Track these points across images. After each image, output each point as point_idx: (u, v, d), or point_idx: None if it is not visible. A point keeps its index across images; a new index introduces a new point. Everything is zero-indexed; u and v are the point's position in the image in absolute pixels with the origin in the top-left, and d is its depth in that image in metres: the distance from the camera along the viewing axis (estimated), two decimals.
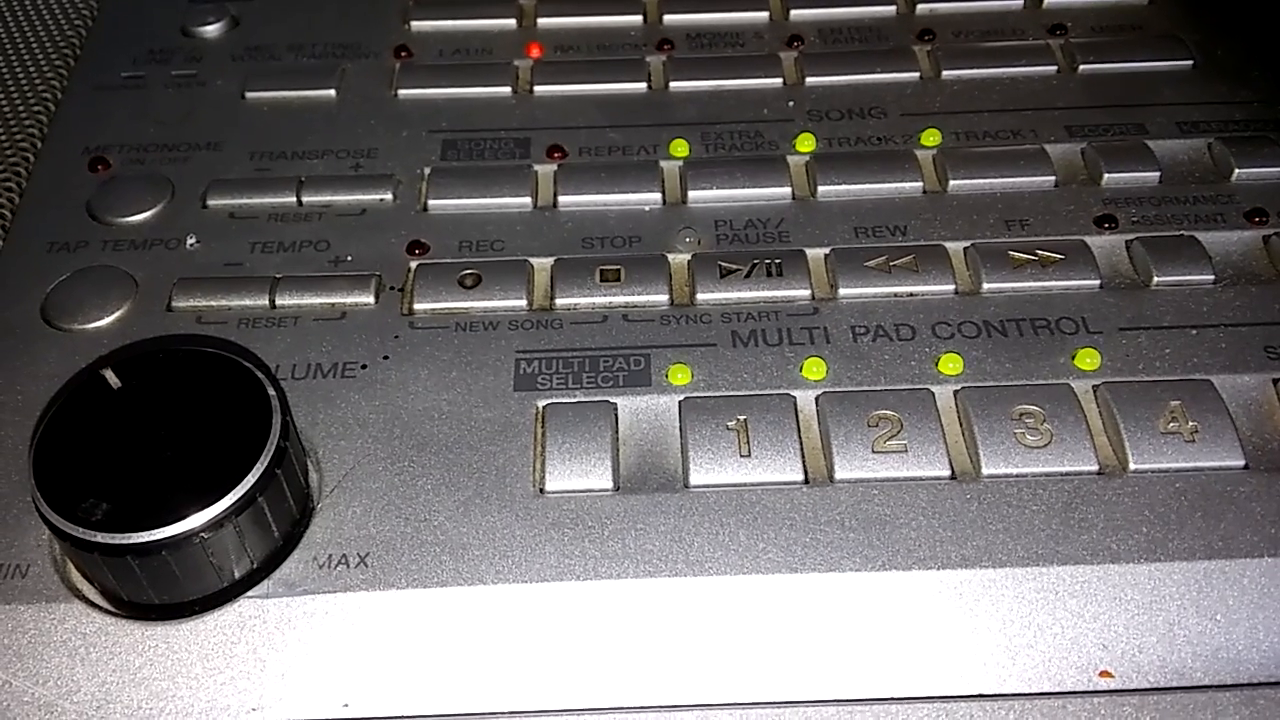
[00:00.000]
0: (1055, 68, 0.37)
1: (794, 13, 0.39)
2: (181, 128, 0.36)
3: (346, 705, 0.25)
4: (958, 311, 0.30)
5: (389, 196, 0.33)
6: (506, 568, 0.25)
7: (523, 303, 0.30)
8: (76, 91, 0.38)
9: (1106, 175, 0.33)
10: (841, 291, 0.30)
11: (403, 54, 0.38)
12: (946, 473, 0.27)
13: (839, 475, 0.27)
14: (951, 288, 0.30)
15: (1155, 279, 0.30)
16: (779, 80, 0.37)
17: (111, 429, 0.25)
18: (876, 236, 0.32)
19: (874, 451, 0.27)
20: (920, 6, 0.39)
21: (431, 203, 0.33)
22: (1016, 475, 0.26)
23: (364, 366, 0.29)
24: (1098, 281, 0.30)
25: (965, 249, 0.31)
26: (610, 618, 0.25)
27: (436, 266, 0.31)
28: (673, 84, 0.37)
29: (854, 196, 0.33)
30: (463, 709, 0.25)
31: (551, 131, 0.35)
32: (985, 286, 0.30)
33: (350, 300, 0.31)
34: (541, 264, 0.32)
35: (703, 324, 0.30)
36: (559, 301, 0.30)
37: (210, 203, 0.33)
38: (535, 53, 0.38)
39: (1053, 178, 0.33)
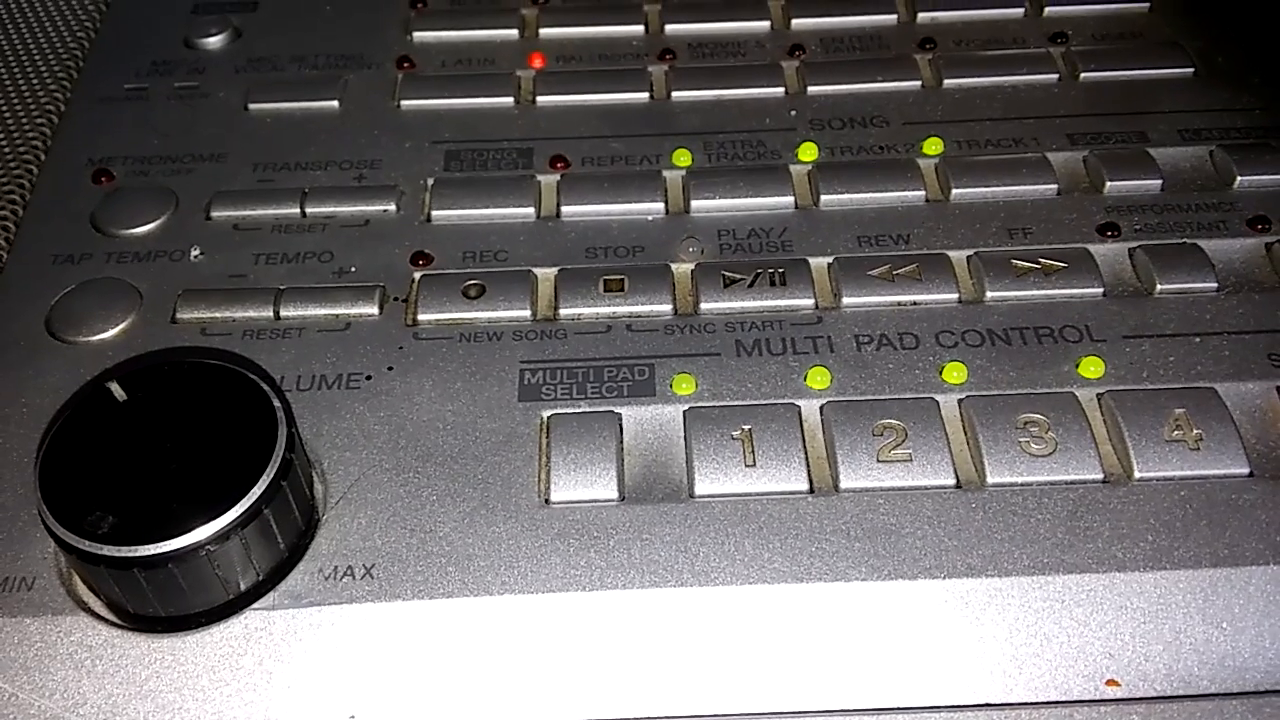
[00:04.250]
0: (1057, 76, 0.37)
1: (795, 22, 0.39)
2: (185, 139, 0.36)
3: (353, 717, 0.25)
4: (961, 320, 0.30)
5: (392, 207, 0.33)
6: (512, 578, 0.25)
7: (527, 313, 0.30)
8: (80, 103, 0.38)
9: (1109, 183, 0.33)
10: (845, 300, 0.30)
11: (405, 65, 0.38)
12: (952, 482, 0.27)
13: (844, 485, 0.27)
14: (955, 296, 0.30)
15: (1158, 287, 0.30)
16: (781, 89, 0.37)
17: (117, 441, 0.25)
18: (879, 245, 0.32)
19: (879, 461, 0.27)
20: (921, 15, 0.39)
21: (435, 213, 0.33)
22: (1021, 484, 0.27)
23: (368, 377, 0.29)
24: (1101, 290, 0.30)
25: (968, 257, 0.31)
26: (616, 628, 0.25)
27: (440, 277, 0.31)
28: (675, 94, 0.37)
29: (857, 205, 0.33)
30: None
31: (554, 141, 0.35)
32: (989, 295, 0.30)
33: (354, 311, 0.31)
34: (545, 274, 0.32)
35: (707, 334, 0.30)
36: (563, 312, 0.31)
37: (214, 214, 0.33)
38: (537, 63, 0.38)
39: (1055, 186, 0.33)
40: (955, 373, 0.28)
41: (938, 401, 0.28)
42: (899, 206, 0.33)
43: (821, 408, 0.28)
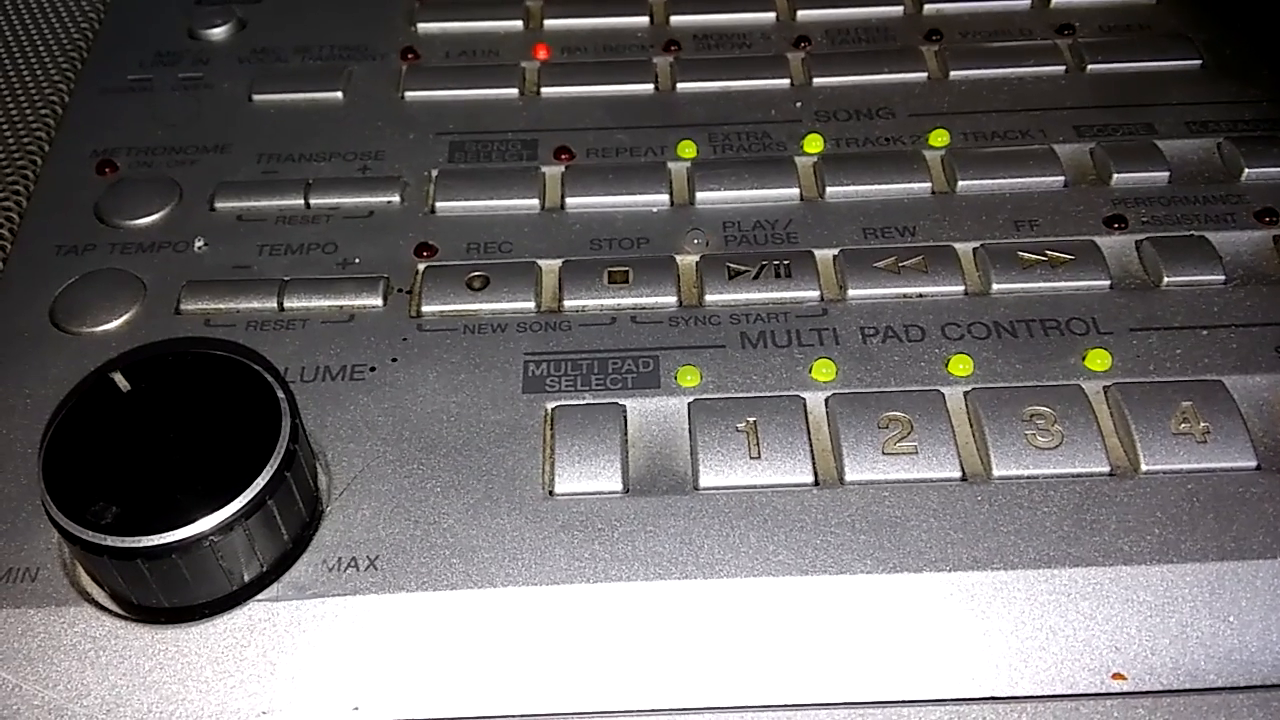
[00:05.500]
0: (1063, 67, 0.37)
1: (801, 13, 0.39)
2: (189, 130, 0.36)
3: (356, 708, 0.25)
4: (967, 312, 0.30)
5: (396, 199, 0.33)
6: (516, 570, 0.25)
7: (531, 304, 0.30)
8: (84, 94, 0.38)
9: (1116, 175, 0.33)
10: (850, 292, 0.30)
11: (409, 56, 0.38)
12: (957, 474, 0.27)
13: (849, 477, 0.27)
14: (961, 288, 0.30)
15: (1165, 279, 0.30)
16: (786, 81, 0.37)
17: (121, 432, 0.25)
18: (885, 237, 0.32)
19: (884, 453, 0.27)
20: (927, 7, 0.39)
21: (439, 205, 0.33)
22: (1028, 477, 0.26)
23: (372, 369, 0.29)
24: (1108, 282, 0.30)
25: (974, 249, 0.31)
26: (620, 620, 0.25)
27: (444, 268, 0.31)
28: (680, 85, 0.37)
29: (862, 197, 0.33)
30: (473, 712, 0.25)
31: (559, 133, 0.35)
32: (995, 287, 0.30)
33: (358, 303, 0.31)
34: (549, 265, 0.32)
35: (711, 325, 0.30)
36: (567, 303, 0.30)
37: (218, 205, 0.33)
38: (542, 54, 0.38)
39: (1062, 178, 0.33)
40: (961, 365, 0.28)
41: (943, 394, 0.28)
42: (905, 198, 0.33)
43: (826, 400, 0.28)
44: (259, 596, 0.25)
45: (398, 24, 0.40)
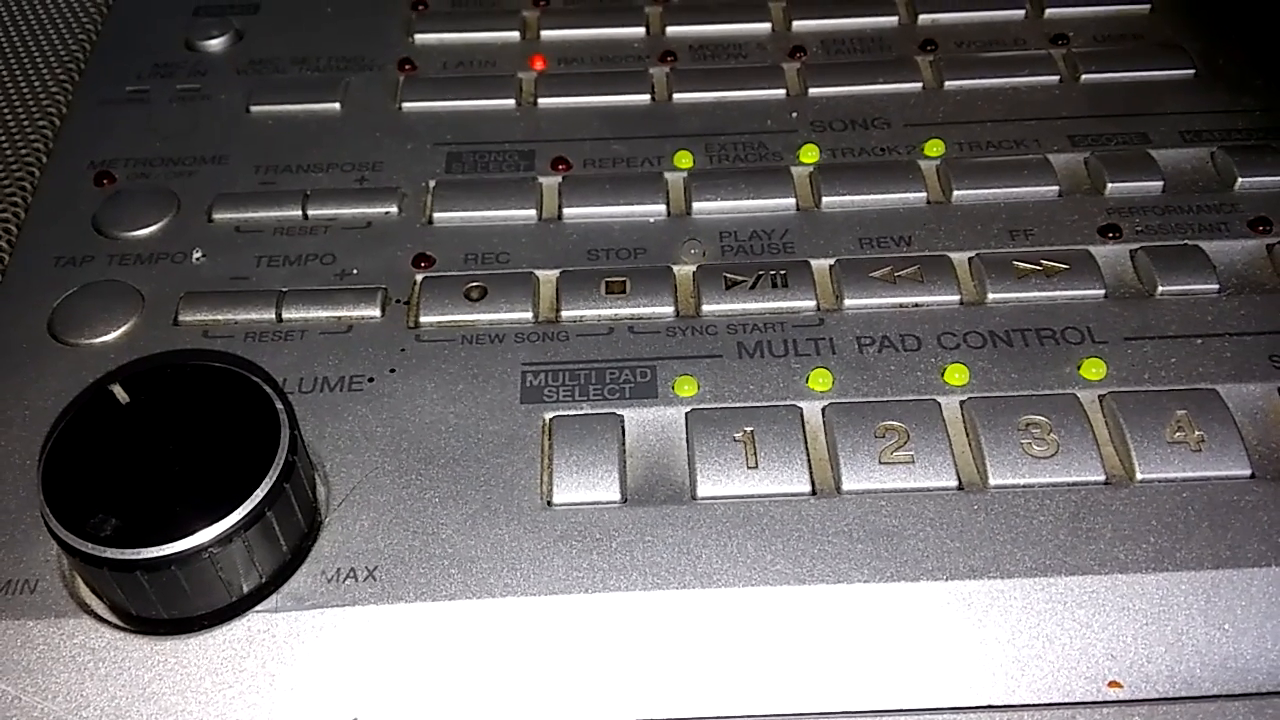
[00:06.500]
0: (1058, 77, 0.37)
1: (796, 23, 0.39)
2: (186, 141, 0.36)
3: (355, 719, 0.25)
4: (963, 322, 0.30)
5: (394, 209, 0.33)
6: (514, 580, 0.25)
7: (529, 315, 0.30)
8: (82, 106, 0.38)
9: (1110, 185, 0.33)
10: (847, 302, 0.30)
11: (407, 67, 0.38)
12: (954, 483, 0.27)
13: (846, 486, 0.27)
14: (957, 298, 0.30)
15: (1160, 288, 0.30)
16: (782, 91, 0.37)
17: (120, 444, 0.25)
18: (881, 247, 0.32)
19: (881, 462, 0.27)
20: (922, 17, 0.39)
21: (437, 215, 0.33)
22: (1023, 486, 0.27)
23: (371, 380, 0.29)
24: (1102, 291, 0.30)
25: (970, 259, 0.31)
26: (618, 630, 0.25)
27: (442, 279, 0.31)
28: (676, 95, 0.37)
29: (858, 207, 0.33)
30: None
31: (556, 144, 0.35)
32: (990, 297, 0.30)
33: (356, 313, 0.31)
34: (547, 276, 0.32)
35: (709, 335, 0.30)
36: (565, 313, 0.31)
37: (216, 216, 0.34)
38: (539, 65, 0.38)
39: (1056, 187, 0.33)
40: (957, 374, 0.28)
41: (939, 403, 0.28)
42: (900, 208, 0.33)
43: (823, 409, 0.28)
44: (258, 608, 0.25)
45: (395, 35, 0.40)
